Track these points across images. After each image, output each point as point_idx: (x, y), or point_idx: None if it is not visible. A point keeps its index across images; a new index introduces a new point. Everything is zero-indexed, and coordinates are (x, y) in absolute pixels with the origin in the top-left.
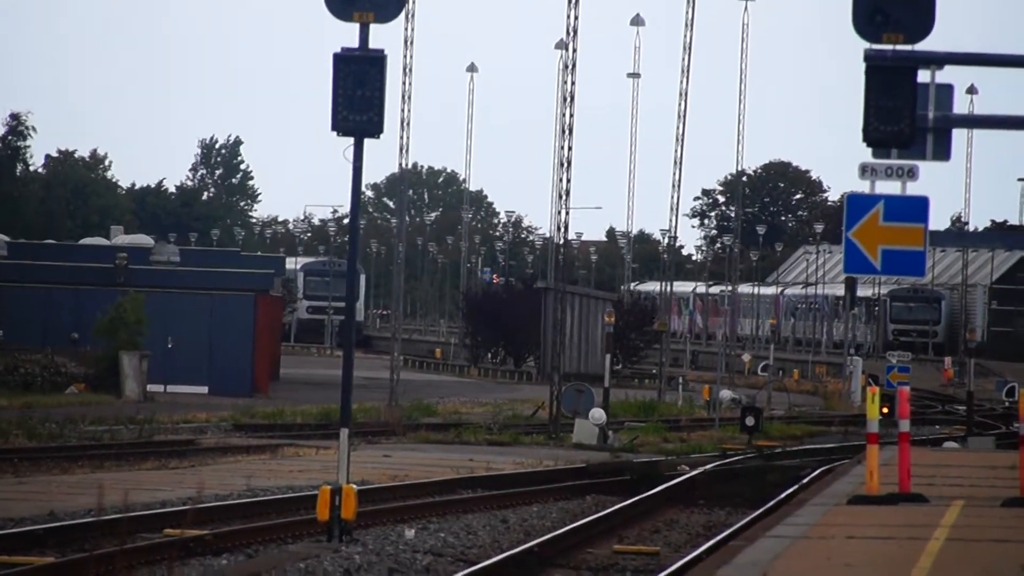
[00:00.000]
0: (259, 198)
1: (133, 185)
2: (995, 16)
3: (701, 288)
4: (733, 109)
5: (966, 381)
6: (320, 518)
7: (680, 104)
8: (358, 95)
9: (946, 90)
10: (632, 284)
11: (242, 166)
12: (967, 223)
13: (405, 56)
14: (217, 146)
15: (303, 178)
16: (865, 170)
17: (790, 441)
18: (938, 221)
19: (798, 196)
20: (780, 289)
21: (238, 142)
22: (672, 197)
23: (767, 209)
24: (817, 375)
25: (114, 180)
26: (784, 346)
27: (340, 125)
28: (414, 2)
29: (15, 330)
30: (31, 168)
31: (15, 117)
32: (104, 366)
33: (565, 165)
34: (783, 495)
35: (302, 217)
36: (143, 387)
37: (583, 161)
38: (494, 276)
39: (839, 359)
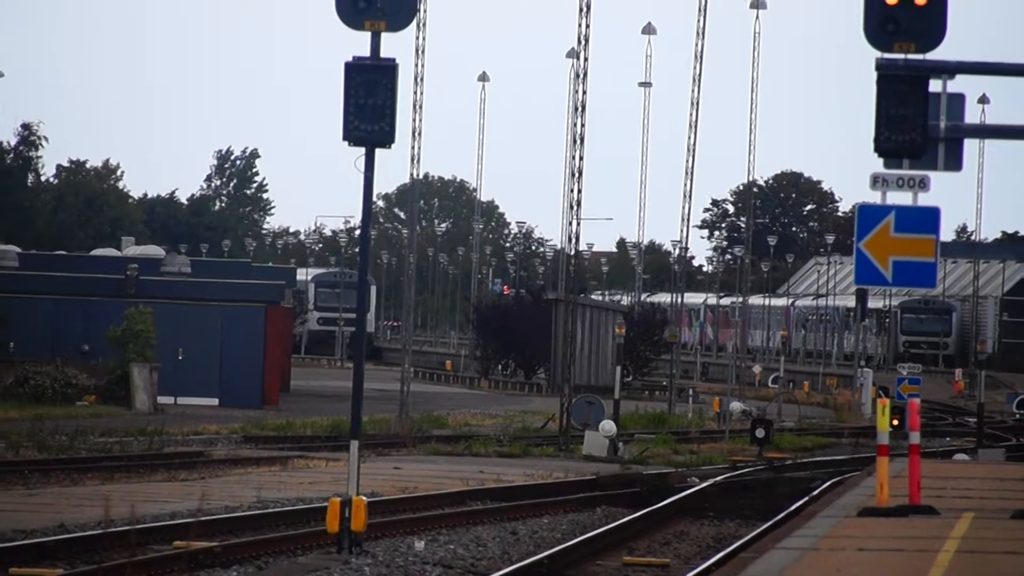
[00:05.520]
0: (272, 210)
1: (145, 195)
2: (1007, 26)
3: (712, 300)
4: (744, 119)
5: (976, 393)
6: (330, 530)
7: (691, 114)
8: (369, 104)
9: (958, 100)
10: (643, 295)
11: (257, 178)
12: (972, 233)
13: (416, 65)
14: (233, 157)
15: (315, 189)
16: (876, 180)
17: (800, 453)
18: (944, 231)
19: (809, 207)
20: (791, 301)
21: (255, 154)
22: (683, 208)
23: (778, 220)
24: (827, 387)
25: (126, 190)
26: (795, 358)
27: (351, 135)
28: (425, 11)
29: (25, 342)
30: (42, 178)
31: (26, 127)
32: (114, 378)
33: (576, 175)
34: (793, 507)
35: (313, 228)
36: (153, 399)
37: (594, 171)
38: (504, 287)
39: (850, 371)
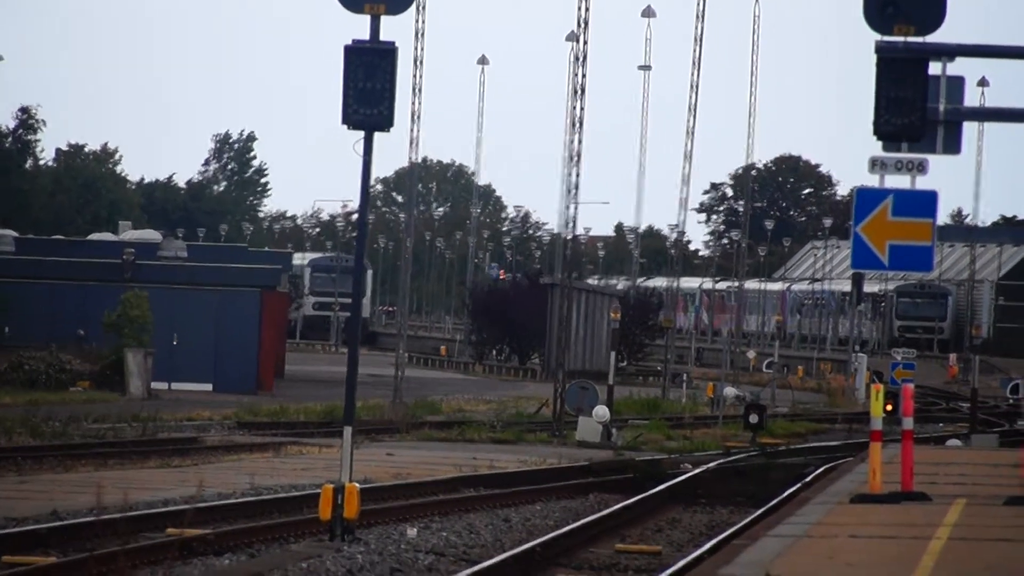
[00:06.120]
0: (269, 193)
1: (143, 180)
2: (1007, 8)
3: (708, 284)
4: (744, 102)
5: (971, 378)
6: (323, 517)
7: (691, 97)
8: (368, 88)
9: (957, 82)
10: (639, 280)
11: (255, 161)
12: (968, 216)
13: (416, 48)
14: (231, 141)
15: (313, 173)
16: (875, 164)
17: (793, 439)
18: (941, 215)
19: (807, 190)
20: (787, 285)
21: (252, 137)
22: (681, 192)
23: (776, 203)
24: (821, 372)
25: (124, 175)
26: (790, 343)
27: (350, 118)
28: None
29: (21, 327)
30: (41, 162)
31: (25, 111)
32: (109, 363)
33: (575, 159)
34: (786, 493)
35: (311, 212)
36: (147, 384)
37: (592, 155)
38: (500, 272)
39: (844, 356)
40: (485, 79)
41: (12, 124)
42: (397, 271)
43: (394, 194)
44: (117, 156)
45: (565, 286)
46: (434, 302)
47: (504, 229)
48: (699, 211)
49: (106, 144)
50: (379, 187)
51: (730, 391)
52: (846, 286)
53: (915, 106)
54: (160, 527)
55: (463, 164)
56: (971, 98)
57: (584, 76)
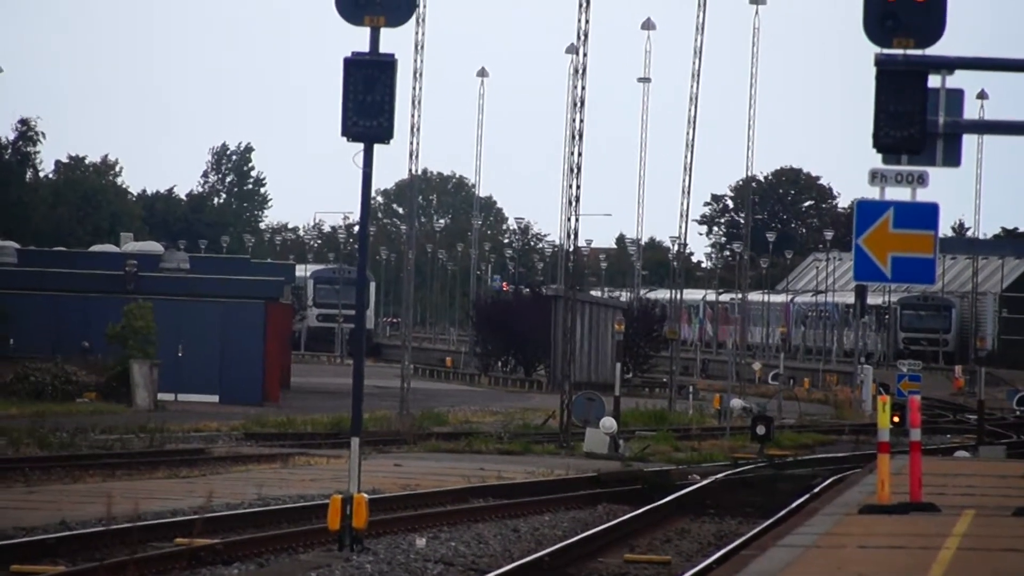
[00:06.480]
0: (269, 204)
1: (144, 191)
2: (1006, 21)
3: (711, 296)
4: (744, 114)
5: (977, 390)
6: (331, 527)
7: (690, 109)
8: (368, 100)
9: (956, 95)
10: (642, 292)
11: (253, 173)
12: (968, 228)
13: (415, 60)
14: (228, 152)
15: (314, 185)
16: (875, 176)
17: (801, 450)
18: (942, 227)
19: (808, 203)
20: (790, 297)
21: (249, 149)
22: (682, 204)
23: (777, 216)
24: (827, 384)
25: (124, 186)
26: (795, 355)
27: (350, 130)
28: (425, 6)
29: (25, 338)
30: (41, 174)
31: (24, 122)
32: (115, 375)
33: (575, 171)
34: (794, 504)
35: (312, 224)
36: (154, 396)
37: (593, 167)
38: (503, 284)
39: (850, 368)
40: (485, 91)
41: (11, 136)
42: (399, 283)
43: (395, 206)
44: (117, 168)
45: (568, 298)
46: (438, 313)
47: (506, 241)
48: (700, 223)
49: (106, 156)
50: (379, 199)
51: (737, 403)
52: (849, 298)
53: (915, 119)
54: (169, 537)
55: (463, 176)
56: (970, 111)
57: (584, 88)
